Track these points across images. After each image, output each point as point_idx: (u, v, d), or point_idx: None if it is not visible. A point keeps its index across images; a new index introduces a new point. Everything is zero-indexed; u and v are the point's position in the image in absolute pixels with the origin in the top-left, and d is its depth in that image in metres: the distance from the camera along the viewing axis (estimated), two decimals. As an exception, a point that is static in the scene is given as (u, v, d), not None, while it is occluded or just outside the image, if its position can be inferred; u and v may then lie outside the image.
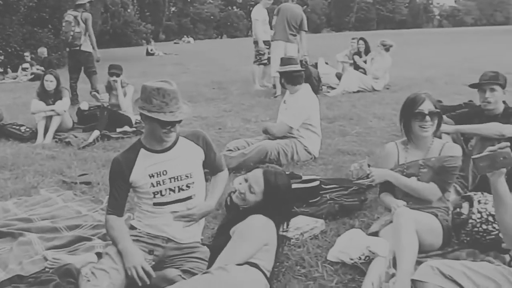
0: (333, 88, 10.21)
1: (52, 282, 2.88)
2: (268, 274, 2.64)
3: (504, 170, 2.11)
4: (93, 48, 9.61)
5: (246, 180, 2.82)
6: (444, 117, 4.18)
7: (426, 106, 3.19)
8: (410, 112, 3.23)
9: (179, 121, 2.86)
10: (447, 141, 3.52)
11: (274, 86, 9.87)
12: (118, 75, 7.18)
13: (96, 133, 6.65)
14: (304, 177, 4.22)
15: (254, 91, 10.53)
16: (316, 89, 8.43)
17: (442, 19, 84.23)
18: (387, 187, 3.37)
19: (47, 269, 3.09)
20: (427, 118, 3.18)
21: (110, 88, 7.32)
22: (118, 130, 6.98)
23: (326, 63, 11.59)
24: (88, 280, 2.68)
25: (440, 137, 3.81)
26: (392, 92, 9.78)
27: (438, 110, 3.22)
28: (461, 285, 2.27)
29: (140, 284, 2.67)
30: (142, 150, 2.97)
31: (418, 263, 2.98)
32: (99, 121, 6.88)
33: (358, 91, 9.87)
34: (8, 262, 3.17)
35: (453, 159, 3.22)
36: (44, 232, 3.62)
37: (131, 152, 3.00)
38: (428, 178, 3.22)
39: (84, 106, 7.75)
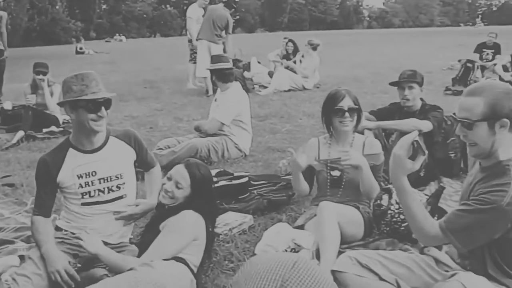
0: (265, 87, 10.35)
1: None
2: (195, 270, 2.67)
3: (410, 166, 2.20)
4: (4, 46, 9.21)
5: (169, 179, 2.83)
6: (367, 113, 4.39)
7: (346, 103, 3.32)
8: (330, 108, 3.36)
9: (107, 104, 2.77)
10: (368, 137, 3.69)
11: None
12: (44, 74, 6.94)
13: (20, 133, 6.41)
14: (235, 174, 4.27)
15: (186, 90, 10.49)
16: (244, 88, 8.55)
17: (372, 20, 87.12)
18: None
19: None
20: (347, 114, 3.31)
21: (35, 87, 7.06)
22: (45, 130, 6.76)
23: (259, 62, 11.72)
24: (9, 287, 2.60)
25: (362, 133, 3.99)
26: (322, 91, 10.04)
27: (357, 107, 3.36)
28: (377, 273, 2.39)
29: None
30: (71, 150, 2.88)
31: (342, 253, 3.14)
32: (23, 121, 6.62)
33: (289, 90, 10.06)
34: None
35: (376, 157, 3.38)
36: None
37: (58, 151, 2.91)
38: (353, 172, 3.36)
39: (7, 105, 7.42)
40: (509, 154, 2.18)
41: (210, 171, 2.99)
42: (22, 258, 3.05)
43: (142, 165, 3.19)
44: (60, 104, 2.84)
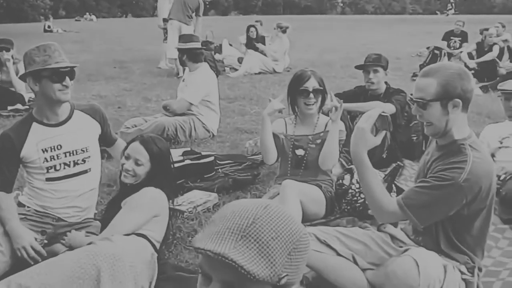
0: (236, 70, 10.35)
1: None
2: (157, 245, 2.70)
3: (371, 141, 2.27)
4: None
5: (128, 157, 2.83)
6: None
7: (311, 84, 3.37)
8: (296, 89, 3.40)
9: (71, 75, 2.77)
10: None
11: None
12: (7, 50, 6.78)
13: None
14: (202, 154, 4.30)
15: (156, 71, 10.41)
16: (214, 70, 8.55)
17: (345, 6, 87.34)
18: None
19: None
20: (311, 95, 3.36)
21: (0, 64, 6.91)
22: (10, 108, 6.64)
23: (230, 45, 11.69)
24: (-30, 264, 2.59)
25: (327, 115, 4.06)
26: (292, 74, 10.10)
27: (322, 88, 3.42)
28: (334, 248, 2.47)
29: (32, 263, 2.61)
30: (35, 124, 2.85)
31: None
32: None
33: (259, 73, 10.08)
34: None
35: (339, 133, 3.44)
36: None
37: (22, 126, 2.87)
38: (316, 153, 3.42)
39: (-30, 83, 7.25)
40: (463, 133, 2.28)
41: (166, 143, 3.01)
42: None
43: (106, 140, 3.19)
44: (23, 76, 2.81)
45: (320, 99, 3.43)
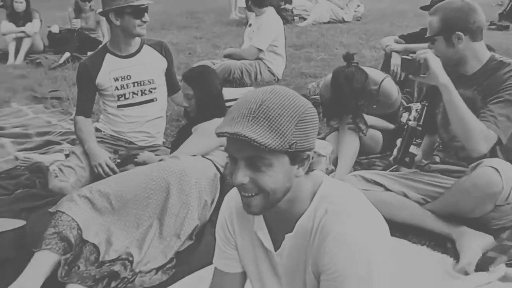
0: (305, 19, 10.29)
1: (22, 177, 3.15)
2: (221, 169, 2.91)
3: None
4: None
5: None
6: (396, 37, 4.45)
7: None
8: None
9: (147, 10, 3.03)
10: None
11: None
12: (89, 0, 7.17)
13: (66, 54, 6.74)
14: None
15: (227, 21, 10.56)
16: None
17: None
18: None
19: (18, 167, 3.34)
20: None
21: (79, 11, 7.31)
22: (89, 53, 7.05)
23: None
24: (56, 176, 2.94)
25: (390, 55, 4.10)
26: (362, 23, 9.93)
27: None
28: (382, 184, 2.56)
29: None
30: (108, 55, 3.14)
31: (358, 163, 3.35)
32: (69, 43, 6.94)
33: (328, 22, 9.98)
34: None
35: None
36: (16, 137, 3.84)
37: (97, 56, 3.18)
38: None
39: (55, 29, 7.74)
40: (485, 55, 2.40)
41: (211, 74, 3.02)
42: (67, 156, 3.39)
43: (169, 80, 3.33)
44: (105, 12, 3.05)
45: None
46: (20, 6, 7.03)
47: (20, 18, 7.07)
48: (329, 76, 3.37)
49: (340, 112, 3.26)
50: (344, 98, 3.12)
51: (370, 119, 3.33)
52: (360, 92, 3.11)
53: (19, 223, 2.35)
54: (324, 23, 9.91)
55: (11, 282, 2.03)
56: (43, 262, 2.14)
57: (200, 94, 2.91)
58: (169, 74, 3.32)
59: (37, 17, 7.18)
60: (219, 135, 1.18)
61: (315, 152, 1.30)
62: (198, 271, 2.23)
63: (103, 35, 7.27)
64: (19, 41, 7.02)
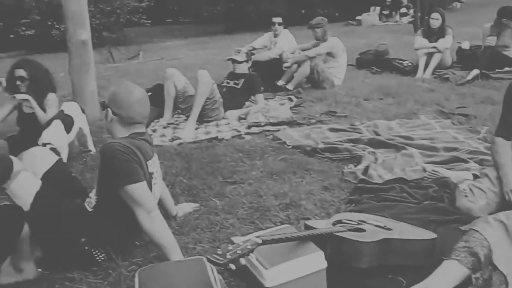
0: None
1: (430, 189, 3.25)
2: None
3: None
4: None
5: None
6: None
7: None
8: None
9: None
10: None
11: None
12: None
13: (475, 71, 6.63)
14: None
15: None
16: None
17: None
18: None
19: (425, 178, 3.46)
20: None
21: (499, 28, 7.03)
22: (498, 70, 6.79)
23: None
24: (466, 196, 2.91)
25: None
26: None
27: None
28: None
29: None
30: None
31: None
32: (479, 60, 6.82)
33: None
34: (393, 166, 3.67)
35: None
36: (424, 149, 4.00)
37: None
38: None
39: (465, 45, 7.75)
40: None
41: None
42: (475, 176, 3.30)
43: None
44: None
45: None
46: (436, 23, 7.28)
47: (434, 34, 7.33)
48: None
49: None
50: None
51: None
52: None
53: (430, 235, 2.43)
54: None
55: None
56: (450, 270, 2.17)
57: None
58: None
59: (450, 33, 7.30)
60: None
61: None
62: None
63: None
64: (429, 56, 7.29)
